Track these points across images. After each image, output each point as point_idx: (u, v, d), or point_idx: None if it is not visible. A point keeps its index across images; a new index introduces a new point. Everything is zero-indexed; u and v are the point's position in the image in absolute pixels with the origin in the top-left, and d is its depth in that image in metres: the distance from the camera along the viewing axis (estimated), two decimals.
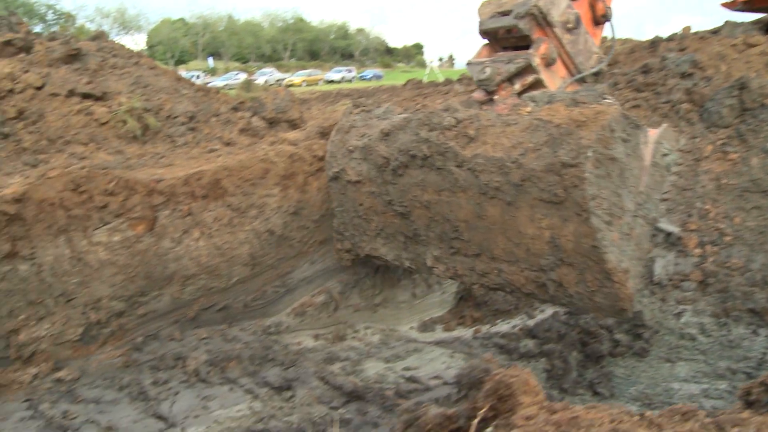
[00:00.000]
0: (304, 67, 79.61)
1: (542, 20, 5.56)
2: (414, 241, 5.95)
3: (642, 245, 4.95)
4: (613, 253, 4.55)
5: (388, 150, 5.77)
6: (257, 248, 6.81)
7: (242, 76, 56.01)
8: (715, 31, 13.15)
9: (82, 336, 6.04)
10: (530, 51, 5.54)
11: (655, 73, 10.53)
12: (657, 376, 6.25)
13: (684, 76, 10.22)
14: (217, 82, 54.71)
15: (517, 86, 5.65)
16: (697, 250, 7.79)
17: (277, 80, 59.12)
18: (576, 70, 5.92)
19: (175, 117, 8.76)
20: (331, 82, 62.97)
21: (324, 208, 7.21)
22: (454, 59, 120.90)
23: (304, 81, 60.98)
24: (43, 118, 7.75)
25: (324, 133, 8.89)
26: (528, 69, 5.60)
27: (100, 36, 10.33)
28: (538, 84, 5.65)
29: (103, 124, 7.96)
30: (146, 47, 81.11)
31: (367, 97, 24.28)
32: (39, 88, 8.04)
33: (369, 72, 74.96)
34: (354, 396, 5.35)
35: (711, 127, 9.06)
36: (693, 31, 13.34)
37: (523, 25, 5.53)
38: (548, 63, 5.63)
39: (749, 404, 2.19)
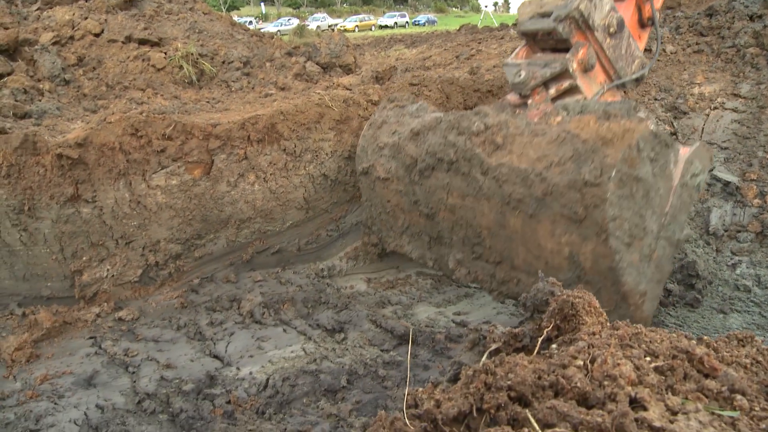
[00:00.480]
0: (356, 12, 78.85)
1: (583, 24, 5.31)
2: (438, 242, 5.93)
3: (663, 268, 4.86)
4: (631, 275, 4.50)
5: (416, 150, 5.73)
6: (311, 192, 6.90)
7: (294, 22, 55.83)
8: None
9: (141, 277, 6.26)
10: (568, 56, 5.31)
11: (721, 16, 10.11)
12: (709, 326, 6.17)
13: (753, 18, 9.79)
14: (269, 27, 54.65)
15: (552, 91, 5.43)
16: (757, 201, 7.58)
17: (330, 26, 58.80)
18: (616, 75, 5.68)
19: (230, 62, 8.83)
20: (384, 27, 62.25)
21: None
22: (509, 4, 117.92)
23: (356, 26, 60.50)
24: (102, 64, 7.91)
25: (379, 78, 8.87)
26: (564, 74, 5.37)
27: None
28: (574, 90, 5.45)
29: (160, 69, 8.08)
30: None
31: (421, 42, 23.95)
32: (97, 35, 8.18)
33: (422, 17, 73.74)
34: (405, 339, 5.45)
35: None
36: None
37: (563, 28, 5.28)
38: (586, 68, 5.41)
39: None
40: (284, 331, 5.74)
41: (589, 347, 1.95)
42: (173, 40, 8.73)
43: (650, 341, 2.04)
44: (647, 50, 6.38)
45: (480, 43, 16.65)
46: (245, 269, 6.79)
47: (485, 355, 2.21)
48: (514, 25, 21.02)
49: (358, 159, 6.51)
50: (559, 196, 4.54)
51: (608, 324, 2.20)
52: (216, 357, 5.35)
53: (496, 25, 25.42)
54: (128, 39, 8.31)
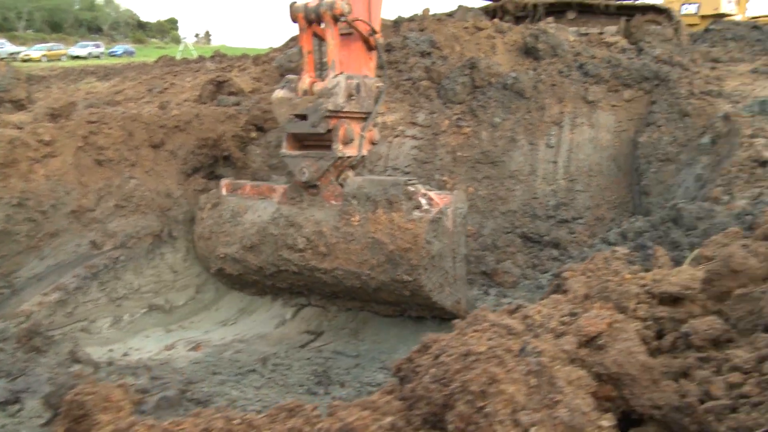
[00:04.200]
0: (44, 40, 72.67)
1: (333, 112, 6.11)
2: (298, 294, 7.25)
3: (463, 275, 6.42)
4: (450, 301, 6.14)
5: (258, 260, 6.77)
6: None
7: None
8: (450, 14, 14.04)
9: None
10: (333, 147, 6.21)
11: (397, 51, 10.95)
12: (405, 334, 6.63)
13: (423, 55, 10.75)
14: None
15: (332, 171, 6.39)
16: None
17: (11, 54, 53.44)
18: (366, 114, 6.57)
19: None
20: (77, 57, 58.28)
21: (54, 198, 6.61)
22: (210, 35, 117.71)
23: (44, 55, 55.75)
24: None
25: (55, 115, 8.17)
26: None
27: None
28: (347, 162, 6.49)
29: None
30: None
31: (115, 74, 22.82)
32: None
33: (119, 47, 70.47)
34: None
35: (447, 103, 9.64)
36: (431, 12, 14.08)
37: (321, 128, 6.13)
38: (348, 141, 6.29)
39: (401, 380, 2.30)
40: None
41: None
42: None
43: None
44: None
45: (176, 75, 16.34)
46: None
47: None
48: (212, 57, 20.93)
49: (204, 263, 7.45)
50: (389, 286, 6.05)
51: (129, 421, 2.02)
52: None
53: (195, 57, 25.13)
54: None
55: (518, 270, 7.56)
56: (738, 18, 23.60)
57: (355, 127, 6.47)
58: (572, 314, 2.25)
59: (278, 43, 17.19)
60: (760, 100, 8.35)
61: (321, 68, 6.47)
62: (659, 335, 2.37)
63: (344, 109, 6.21)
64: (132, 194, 7.24)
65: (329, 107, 6.04)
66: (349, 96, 6.23)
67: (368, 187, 6.18)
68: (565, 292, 2.55)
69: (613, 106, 9.49)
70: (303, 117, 6.22)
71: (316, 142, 6.46)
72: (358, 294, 6.53)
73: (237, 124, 8.42)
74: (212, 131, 8.13)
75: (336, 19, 6.11)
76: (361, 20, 6.45)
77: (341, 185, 6.42)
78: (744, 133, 6.95)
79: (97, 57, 59.85)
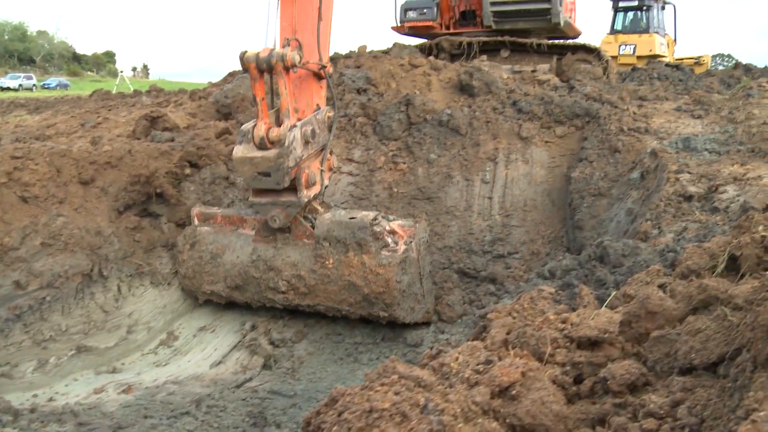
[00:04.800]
0: None
1: (294, 164, 6.26)
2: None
3: (431, 288, 7.28)
4: (420, 314, 6.99)
5: (244, 297, 7.37)
6: None
7: None
8: (386, 51, 14.20)
9: None
10: (299, 194, 6.47)
11: (333, 89, 11.01)
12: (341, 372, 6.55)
13: (359, 91, 10.84)
14: None
15: (300, 212, 6.77)
16: None
17: None
18: (322, 146, 6.80)
19: None
20: (7, 89, 56.70)
21: None
22: (148, 68, 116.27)
23: None
24: None
25: None
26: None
27: None
28: (313, 199, 6.82)
29: None
30: None
31: (47, 107, 22.28)
32: None
33: (53, 80, 68.78)
34: None
35: (383, 139, 9.71)
36: (368, 49, 14.21)
37: (285, 183, 6.26)
38: (311, 185, 6.58)
39: None
40: None
41: None
42: None
43: None
44: None
45: (110, 110, 16.02)
46: None
47: None
48: (148, 91, 20.64)
49: (191, 296, 7.87)
50: (366, 318, 6.90)
51: None
52: None
53: (131, 91, 24.75)
54: None
55: (456, 306, 7.59)
56: (667, 59, 24.74)
57: (315, 165, 6.73)
58: (488, 362, 2.25)
59: (218, 77, 17.05)
60: (683, 137, 8.64)
61: (273, 103, 6.44)
62: (578, 380, 2.40)
63: (303, 157, 6.38)
64: (60, 232, 7.02)
65: (290, 164, 6.17)
66: (307, 142, 6.40)
67: (337, 230, 6.62)
68: (485, 337, 2.55)
69: (547, 142, 9.70)
70: (266, 173, 6.29)
71: (286, 199, 6.63)
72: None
73: (170, 160, 8.29)
74: (145, 167, 7.98)
75: (287, 69, 6.13)
76: (311, 62, 6.54)
77: (308, 218, 6.89)
78: (670, 168, 7.16)
79: (29, 89, 58.41)
